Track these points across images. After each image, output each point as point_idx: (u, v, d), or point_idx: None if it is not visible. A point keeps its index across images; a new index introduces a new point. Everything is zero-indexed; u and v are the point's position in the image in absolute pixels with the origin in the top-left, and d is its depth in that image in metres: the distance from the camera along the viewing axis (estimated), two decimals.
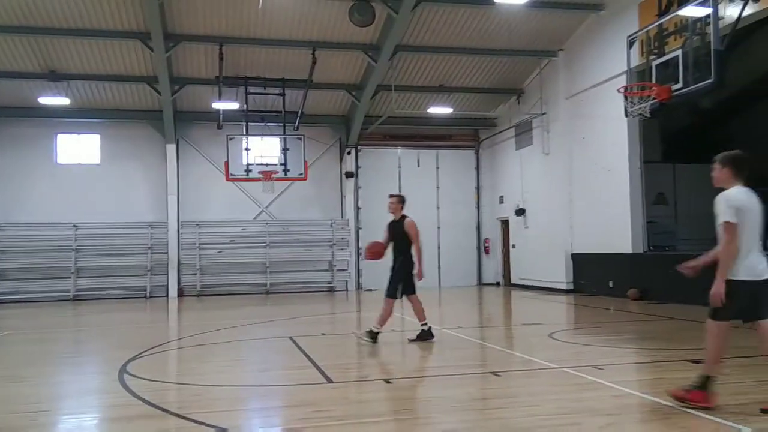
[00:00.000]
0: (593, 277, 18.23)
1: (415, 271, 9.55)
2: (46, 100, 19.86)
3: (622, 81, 15.00)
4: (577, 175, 19.07)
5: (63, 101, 19.86)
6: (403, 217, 9.74)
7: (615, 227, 17.11)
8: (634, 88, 13.27)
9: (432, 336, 9.59)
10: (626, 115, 13.51)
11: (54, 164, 21.69)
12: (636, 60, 14.49)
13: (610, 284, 17.38)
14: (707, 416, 5.17)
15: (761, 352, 5.56)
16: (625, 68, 14.22)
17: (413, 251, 9.57)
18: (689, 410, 5.34)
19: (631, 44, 13.84)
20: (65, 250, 20.95)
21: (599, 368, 7.25)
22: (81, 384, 7.51)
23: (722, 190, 5.43)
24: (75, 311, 17.46)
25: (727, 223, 5.21)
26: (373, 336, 9.39)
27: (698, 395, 5.39)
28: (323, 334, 11.40)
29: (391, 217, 9.86)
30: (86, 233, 21.27)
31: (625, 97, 13.21)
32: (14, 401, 6.43)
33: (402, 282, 9.56)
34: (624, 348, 9.24)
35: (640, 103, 12.55)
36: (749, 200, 5.34)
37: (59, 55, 18.42)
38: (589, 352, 8.80)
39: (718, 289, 5.19)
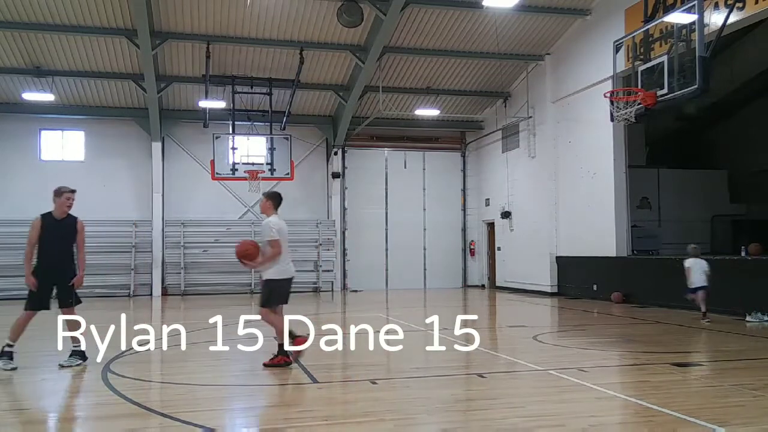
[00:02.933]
0: (577, 280, 18.35)
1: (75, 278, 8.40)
2: (30, 96, 19.70)
3: (608, 86, 15.14)
4: (563, 178, 19.19)
5: (47, 97, 19.68)
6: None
7: (599, 231, 17.23)
8: (620, 93, 13.38)
9: (85, 358, 8.11)
10: (612, 120, 13.61)
11: (37, 161, 21.48)
12: (622, 65, 14.64)
13: (594, 287, 17.51)
14: (688, 418, 5.23)
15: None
16: (611, 73, 14.36)
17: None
18: (666, 411, 5.40)
19: (617, 49, 13.96)
20: None
21: (583, 370, 7.31)
22: (64, 382, 7.44)
23: None
24: (57, 309, 17.26)
25: (273, 240, 7.66)
26: (80, 356, 8.12)
27: (280, 359, 7.68)
28: (308, 334, 11.35)
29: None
30: None
31: (611, 102, 13.31)
32: None
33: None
34: (607, 351, 9.31)
35: (626, 108, 12.66)
36: (282, 225, 7.87)
37: (44, 51, 18.24)
38: (573, 355, 8.86)
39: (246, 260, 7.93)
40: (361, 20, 16.92)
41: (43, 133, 21.66)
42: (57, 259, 8.13)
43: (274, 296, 7.80)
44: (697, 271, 12.59)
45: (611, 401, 6.08)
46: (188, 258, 21.81)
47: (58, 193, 8.24)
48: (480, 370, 7.57)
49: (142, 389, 6.89)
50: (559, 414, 5.53)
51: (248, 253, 7.97)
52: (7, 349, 7.80)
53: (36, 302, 7.93)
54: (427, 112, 22.15)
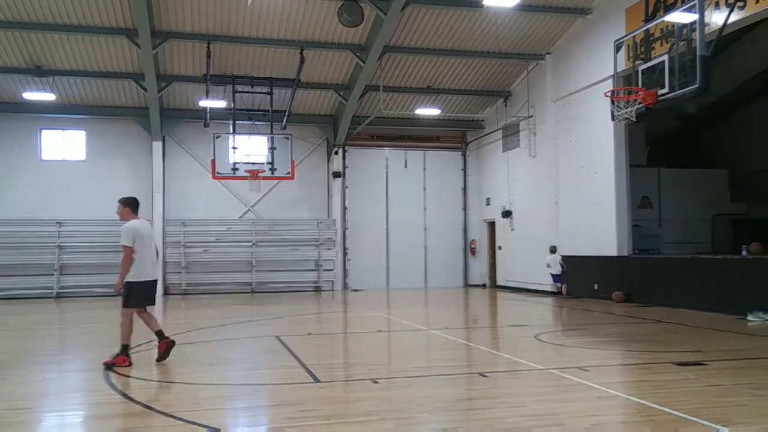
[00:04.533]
0: (578, 279, 18.34)
1: None
2: (31, 96, 19.71)
3: (609, 85, 15.14)
4: (564, 177, 19.18)
5: (48, 97, 19.70)
6: None
7: (600, 230, 17.22)
8: (620, 93, 13.37)
9: None
10: (613, 119, 13.60)
11: (38, 160, 21.49)
12: (622, 64, 14.64)
13: (595, 287, 17.49)
14: (690, 417, 5.24)
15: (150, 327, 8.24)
16: (612, 72, 14.35)
17: None
18: (667, 410, 5.41)
19: (618, 49, 13.94)
20: (49, 247, 20.76)
21: (585, 370, 7.31)
22: (65, 381, 7.45)
23: None
24: (58, 309, 17.31)
25: (125, 246, 8.01)
26: None
27: (121, 359, 7.78)
28: (310, 333, 11.39)
29: None
30: (70, 230, 21.09)
31: (612, 101, 13.31)
32: None
33: None
34: (609, 350, 9.31)
35: (627, 108, 12.65)
36: (143, 228, 8.20)
37: (45, 51, 18.25)
38: (574, 354, 8.87)
39: (119, 286, 8.04)
40: (362, 20, 16.92)
41: (44, 132, 21.67)
42: None
43: (132, 298, 8.02)
44: (555, 264, 17.96)
45: (613, 400, 6.08)
46: (189, 257, 21.83)
47: None
48: (481, 370, 7.57)
49: (144, 388, 6.90)
50: (561, 413, 5.53)
51: None
52: None
53: None
54: (428, 111, 22.15)
